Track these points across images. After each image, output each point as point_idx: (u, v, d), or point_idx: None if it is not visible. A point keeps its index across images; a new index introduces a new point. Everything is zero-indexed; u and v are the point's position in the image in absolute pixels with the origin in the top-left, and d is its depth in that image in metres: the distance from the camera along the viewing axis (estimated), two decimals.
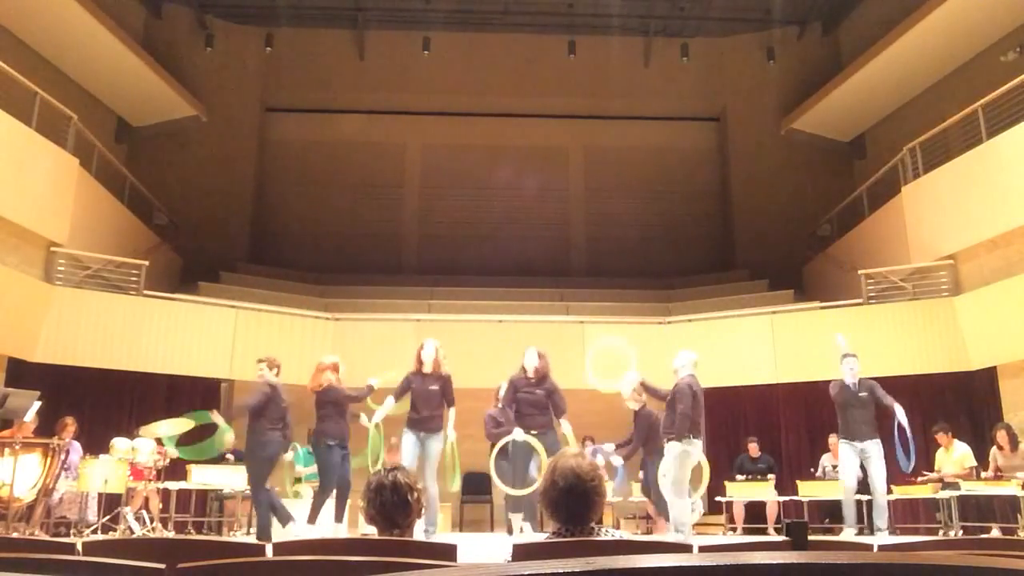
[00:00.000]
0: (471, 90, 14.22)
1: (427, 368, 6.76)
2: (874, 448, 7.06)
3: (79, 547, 2.50)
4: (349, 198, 14.22)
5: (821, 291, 11.64)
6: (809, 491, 8.60)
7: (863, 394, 7.20)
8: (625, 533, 2.73)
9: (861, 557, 0.83)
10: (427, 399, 6.67)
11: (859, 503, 8.71)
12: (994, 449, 7.94)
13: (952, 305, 9.15)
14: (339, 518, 6.77)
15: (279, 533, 6.64)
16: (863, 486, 8.88)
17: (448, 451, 6.75)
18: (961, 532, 7.46)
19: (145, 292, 9.48)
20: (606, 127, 14.61)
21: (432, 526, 6.49)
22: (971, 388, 9.00)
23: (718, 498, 8.72)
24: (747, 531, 8.82)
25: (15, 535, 5.08)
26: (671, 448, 6.64)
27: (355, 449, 7.18)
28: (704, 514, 7.72)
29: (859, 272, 10.03)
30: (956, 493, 7.65)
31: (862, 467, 7.32)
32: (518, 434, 6.73)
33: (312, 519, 6.73)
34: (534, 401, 6.86)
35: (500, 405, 7.28)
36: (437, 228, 14.18)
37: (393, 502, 2.52)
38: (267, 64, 13.94)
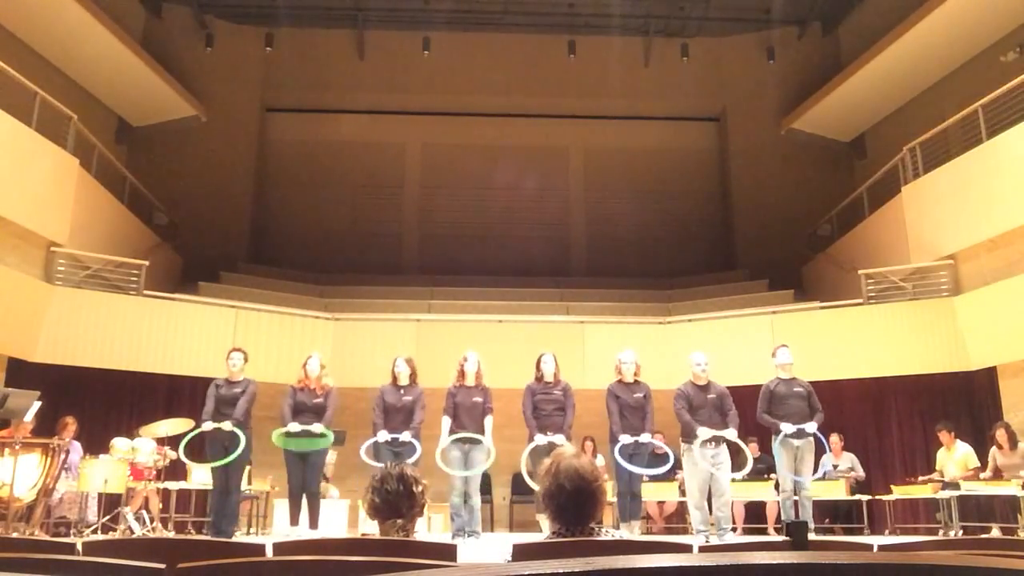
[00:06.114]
0: (471, 90, 14.21)
1: (470, 381, 6.90)
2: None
3: (79, 547, 2.50)
4: (349, 198, 14.22)
5: (821, 291, 11.63)
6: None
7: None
8: (624, 533, 2.73)
9: (861, 557, 0.83)
10: (470, 411, 6.80)
11: (859, 503, 8.74)
12: (994, 448, 7.94)
13: (952, 305, 9.15)
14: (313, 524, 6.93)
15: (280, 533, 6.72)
16: (864, 486, 8.91)
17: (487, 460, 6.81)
18: (961, 532, 7.46)
19: (145, 292, 9.48)
20: (606, 127, 14.60)
21: (477, 531, 6.63)
22: (971, 388, 9.00)
23: None
24: (747, 531, 8.82)
25: (15, 535, 5.07)
26: None
27: None
28: None
29: (859, 272, 10.03)
30: (956, 493, 7.65)
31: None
32: (540, 439, 6.65)
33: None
34: (554, 399, 6.88)
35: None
36: (437, 228, 14.17)
37: (399, 492, 2.55)
38: (267, 64, 13.93)
